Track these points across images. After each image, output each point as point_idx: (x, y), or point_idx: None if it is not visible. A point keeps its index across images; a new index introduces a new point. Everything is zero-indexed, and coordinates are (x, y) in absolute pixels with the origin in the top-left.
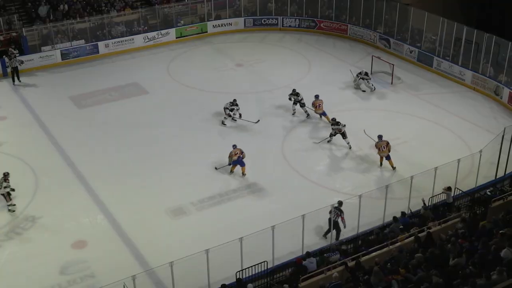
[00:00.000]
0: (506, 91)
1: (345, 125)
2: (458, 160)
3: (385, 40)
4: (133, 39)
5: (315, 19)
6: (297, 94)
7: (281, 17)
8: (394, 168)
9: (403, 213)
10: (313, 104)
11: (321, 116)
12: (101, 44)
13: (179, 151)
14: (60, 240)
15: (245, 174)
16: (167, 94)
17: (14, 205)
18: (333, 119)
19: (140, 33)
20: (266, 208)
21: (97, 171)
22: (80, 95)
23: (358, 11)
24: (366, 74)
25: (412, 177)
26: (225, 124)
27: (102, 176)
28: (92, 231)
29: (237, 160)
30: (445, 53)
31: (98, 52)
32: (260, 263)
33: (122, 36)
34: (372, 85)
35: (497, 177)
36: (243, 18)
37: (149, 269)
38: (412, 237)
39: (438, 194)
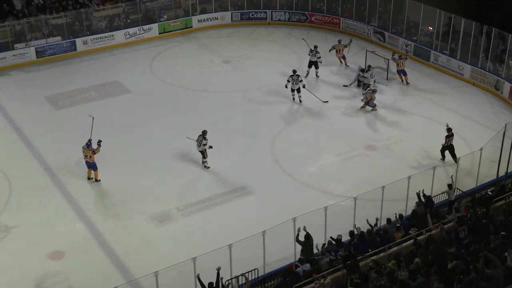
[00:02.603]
0: (506, 86)
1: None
2: (458, 159)
3: (380, 34)
4: (113, 35)
5: (305, 13)
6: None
7: (270, 11)
8: (408, 83)
9: (400, 215)
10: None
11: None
12: (79, 41)
13: (164, 153)
14: (35, 251)
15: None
16: (150, 93)
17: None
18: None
19: (121, 29)
20: (256, 213)
21: (76, 176)
22: (57, 95)
23: (351, 4)
24: (362, 70)
25: (409, 177)
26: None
27: (81, 181)
28: (70, 240)
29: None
30: (442, 46)
31: (75, 49)
32: (251, 271)
33: (102, 32)
34: (373, 75)
35: (499, 176)
36: (230, 12)
37: (132, 280)
38: (411, 240)
39: (438, 195)
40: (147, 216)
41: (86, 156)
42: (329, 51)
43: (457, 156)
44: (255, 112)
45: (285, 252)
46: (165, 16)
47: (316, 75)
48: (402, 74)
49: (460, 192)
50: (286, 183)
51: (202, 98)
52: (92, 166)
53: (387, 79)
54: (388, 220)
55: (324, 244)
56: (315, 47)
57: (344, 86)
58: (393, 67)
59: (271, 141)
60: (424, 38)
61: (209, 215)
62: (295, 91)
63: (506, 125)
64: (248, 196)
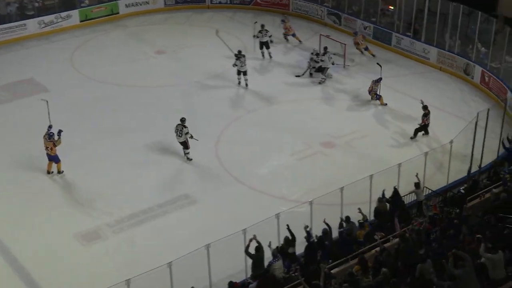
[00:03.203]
0: (477, 70)
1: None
2: (425, 154)
3: (335, 16)
4: (25, 24)
5: None
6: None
7: None
8: (374, 55)
9: (365, 218)
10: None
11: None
12: None
13: (90, 161)
14: None
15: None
16: (72, 91)
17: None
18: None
19: (34, 17)
20: (200, 224)
21: None
22: None
23: None
24: (317, 54)
25: (371, 176)
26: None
27: None
28: None
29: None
30: (405, 28)
31: None
32: None
33: (11, 21)
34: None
35: (472, 171)
36: None
37: None
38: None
39: (405, 195)
40: (71, 235)
41: (47, 148)
42: (285, 36)
43: (424, 151)
44: (195, 107)
45: (235, 268)
46: (87, 1)
47: (270, 55)
48: (364, 50)
49: (430, 191)
50: (234, 189)
51: (134, 95)
52: (53, 159)
53: (344, 67)
54: (347, 218)
55: (277, 247)
56: (262, 26)
57: (296, 76)
58: (353, 55)
59: (214, 140)
60: (384, 19)
61: (145, 230)
62: (242, 73)
63: (478, 114)
64: (190, 206)
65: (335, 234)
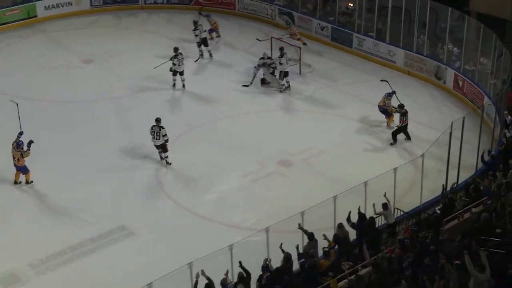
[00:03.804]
0: (450, 73)
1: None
2: (395, 170)
3: (287, 15)
4: None
5: None
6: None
7: None
8: (305, 44)
9: (331, 244)
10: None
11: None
12: None
13: (8, 189)
14: None
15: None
16: None
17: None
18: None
19: None
20: (139, 260)
21: None
22: None
23: None
24: (270, 58)
25: (335, 198)
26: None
27: None
28: None
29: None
30: (367, 27)
31: None
32: None
33: None
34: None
35: (447, 189)
36: None
37: None
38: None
39: (373, 218)
40: None
41: (14, 158)
42: (211, 32)
43: (394, 166)
44: (131, 124)
45: None
46: None
47: (210, 54)
48: (297, 40)
49: (402, 213)
50: (178, 218)
51: (57, 111)
52: (21, 169)
53: (300, 73)
54: (311, 235)
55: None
56: (195, 22)
57: (244, 86)
58: (309, 60)
59: (155, 162)
60: (343, 18)
61: (75, 269)
62: (178, 74)
63: (452, 123)
64: (127, 239)
65: (295, 265)
